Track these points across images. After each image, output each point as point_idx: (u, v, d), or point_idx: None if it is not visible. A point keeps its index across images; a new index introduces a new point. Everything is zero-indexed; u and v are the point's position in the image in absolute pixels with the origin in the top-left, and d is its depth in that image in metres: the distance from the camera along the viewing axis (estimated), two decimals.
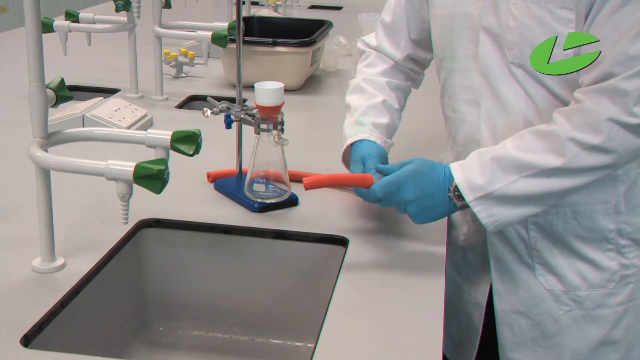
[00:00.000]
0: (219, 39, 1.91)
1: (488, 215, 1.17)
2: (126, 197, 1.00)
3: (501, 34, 1.19)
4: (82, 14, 1.99)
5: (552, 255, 1.28)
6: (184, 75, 2.31)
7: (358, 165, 1.29)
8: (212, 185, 1.43)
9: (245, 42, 1.86)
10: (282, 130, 1.31)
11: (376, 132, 1.35)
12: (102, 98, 1.83)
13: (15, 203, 1.32)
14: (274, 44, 2.11)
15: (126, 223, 1.03)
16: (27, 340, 0.96)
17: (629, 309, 1.29)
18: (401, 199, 1.19)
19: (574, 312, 1.29)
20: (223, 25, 1.96)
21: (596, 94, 1.12)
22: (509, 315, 1.33)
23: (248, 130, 1.34)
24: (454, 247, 1.40)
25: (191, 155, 1.06)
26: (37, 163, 1.04)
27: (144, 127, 1.74)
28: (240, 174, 1.41)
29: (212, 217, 1.30)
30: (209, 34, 1.92)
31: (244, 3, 2.80)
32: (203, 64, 2.03)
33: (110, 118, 1.69)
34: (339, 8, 3.85)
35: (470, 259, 1.39)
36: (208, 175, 1.44)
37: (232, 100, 1.39)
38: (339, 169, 1.38)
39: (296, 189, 1.36)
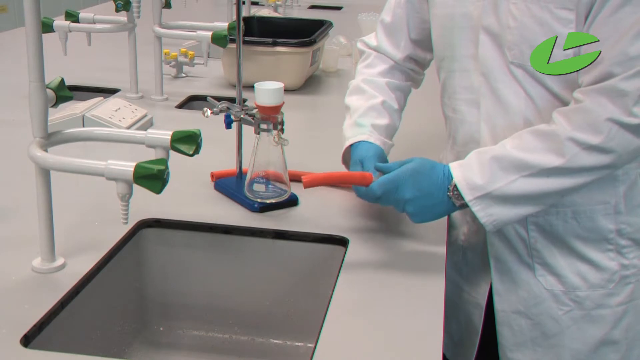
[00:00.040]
0: (219, 39, 1.91)
1: (487, 214, 1.17)
2: (126, 197, 1.00)
3: (501, 34, 1.19)
4: (82, 14, 1.99)
5: (552, 256, 1.28)
6: (184, 75, 2.31)
7: (357, 167, 1.29)
8: (212, 185, 1.43)
9: (245, 42, 1.86)
10: (282, 130, 1.31)
11: (375, 133, 1.35)
12: (102, 98, 1.83)
13: (15, 203, 1.32)
14: (274, 44, 2.11)
15: (126, 223, 1.03)
16: (27, 340, 0.96)
17: (629, 309, 1.29)
18: (400, 197, 1.19)
19: (574, 312, 1.29)
20: (223, 25, 1.96)
21: (596, 94, 1.12)
22: (509, 315, 1.33)
23: (248, 130, 1.34)
24: (454, 247, 1.40)
25: (191, 155, 1.06)
26: (37, 163, 1.04)
27: (144, 127, 1.74)
28: (240, 174, 1.41)
29: (212, 217, 1.30)
30: (209, 34, 1.92)
31: (244, 3, 2.80)
32: (203, 64, 2.03)
33: (110, 118, 1.69)
34: (339, 8, 3.85)
35: (470, 259, 1.39)
36: (212, 175, 1.44)
37: (232, 100, 1.39)
38: (339, 169, 1.38)
39: (296, 189, 1.36)
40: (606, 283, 1.27)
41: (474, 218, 1.20)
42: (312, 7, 3.91)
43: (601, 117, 1.11)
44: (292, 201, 1.35)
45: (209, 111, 1.32)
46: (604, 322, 1.29)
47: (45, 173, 1.06)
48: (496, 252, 1.31)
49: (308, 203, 1.36)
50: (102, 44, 2.28)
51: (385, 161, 1.32)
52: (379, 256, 1.21)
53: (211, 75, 2.29)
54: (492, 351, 1.38)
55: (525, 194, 1.16)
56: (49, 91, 1.05)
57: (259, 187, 1.33)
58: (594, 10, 1.11)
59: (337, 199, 1.39)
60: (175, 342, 1.30)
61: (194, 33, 1.98)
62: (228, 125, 1.33)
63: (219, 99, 1.37)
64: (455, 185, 1.18)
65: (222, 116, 1.33)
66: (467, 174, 1.17)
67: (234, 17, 1.46)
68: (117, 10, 1.87)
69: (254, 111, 1.31)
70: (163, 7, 1.97)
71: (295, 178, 1.36)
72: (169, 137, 1.05)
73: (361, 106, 1.39)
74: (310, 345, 1.27)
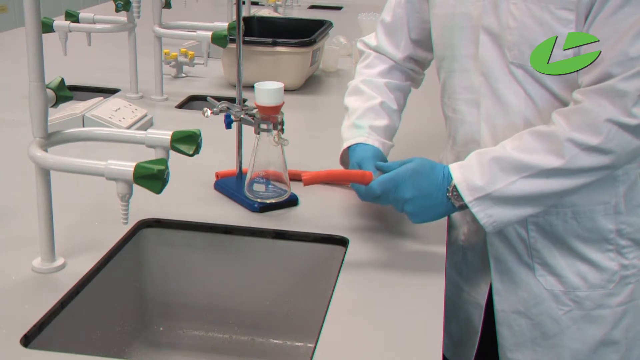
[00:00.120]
0: (219, 39, 1.91)
1: (487, 215, 1.17)
2: (126, 197, 1.00)
3: (501, 34, 1.19)
4: (82, 14, 1.99)
5: (552, 256, 1.28)
6: (184, 75, 2.31)
7: (355, 169, 1.29)
8: (212, 185, 1.43)
9: (245, 42, 1.86)
10: (282, 130, 1.31)
11: (374, 134, 1.35)
12: (102, 98, 1.83)
13: (15, 203, 1.32)
14: (274, 44, 2.11)
15: (126, 223, 1.03)
16: (27, 340, 0.96)
17: (629, 309, 1.29)
18: (399, 197, 1.19)
19: (574, 313, 1.29)
20: (223, 25, 1.96)
21: (595, 95, 1.12)
22: (509, 315, 1.33)
23: (248, 130, 1.34)
24: (454, 247, 1.40)
25: (191, 155, 1.06)
26: (37, 163, 1.04)
27: (144, 127, 1.74)
28: (240, 174, 1.41)
29: (212, 217, 1.30)
30: (209, 34, 1.92)
31: (244, 3, 2.80)
32: (203, 64, 2.03)
33: (110, 118, 1.69)
34: (339, 8, 3.85)
35: (470, 259, 1.39)
36: (217, 175, 1.44)
37: (232, 100, 1.39)
38: (339, 169, 1.38)
39: (296, 189, 1.36)
40: (606, 283, 1.27)
41: (474, 218, 1.20)
42: (312, 7, 3.91)
43: (600, 117, 1.11)
44: (292, 201, 1.35)
45: (209, 111, 1.32)
46: (604, 322, 1.29)
47: (45, 173, 1.06)
48: (496, 252, 1.31)
49: (308, 203, 1.36)
50: (102, 44, 2.28)
51: (385, 162, 1.32)
52: (379, 256, 1.21)
53: (211, 75, 2.29)
54: (492, 351, 1.38)
55: (525, 195, 1.16)
56: (49, 91, 1.05)
57: (259, 187, 1.33)
58: (593, 10, 1.11)
59: (337, 198, 1.39)
60: (175, 342, 1.30)
61: (194, 33, 1.98)
62: (228, 125, 1.33)
63: (219, 99, 1.37)
64: (454, 186, 1.18)
65: (222, 116, 1.33)
66: (467, 174, 1.17)
67: (234, 17, 1.46)
68: (117, 10, 1.88)
69: (254, 111, 1.31)
70: (163, 7, 1.97)
71: (295, 177, 1.36)
72: (169, 137, 1.05)
73: (359, 107, 1.39)
74: (310, 345, 1.27)
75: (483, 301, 1.36)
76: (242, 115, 1.33)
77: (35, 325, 0.98)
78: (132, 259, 1.27)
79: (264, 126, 1.30)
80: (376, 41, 1.47)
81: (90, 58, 2.34)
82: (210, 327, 1.31)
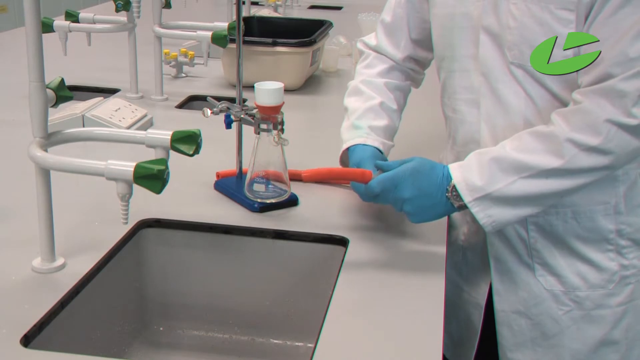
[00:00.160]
0: (219, 39, 1.91)
1: (486, 215, 1.17)
2: (126, 197, 1.00)
3: (501, 34, 1.19)
4: (82, 14, 1.99)
5: (552, 256, 1.28)
6: (184, 75, 2.31)
7: None
8: (212, 185, 1.43)
9: (245, 42, 1.86)
10: (282, 130, 1.31)
11: (373, 134, 1.35)
12: (102, 98, 1.83)
13: (15, 203, 1.32)
14: (274, 44, 2.11)
15: (126, 223, 1.03)
16: (27, 340, 0.96)
17: (629, 309, 1.29)
18: (398, 196, 1.19)
19: (574, 313, 1.29)
20: (223, 25, 1.96)
21: (595, 95, 1.12)
22: (509, 315, 1.33)
23: (248, 130, 1.34)
24: (454, 247, 1.40)
25: (191, 155, 1.06)
26: (37, 163, 1.04)
27: (144, 127, 1.74)
28: (240, 174, 1.41)
29: (212, 217, 1.30)
30: (209, 34, 1.92)
31: (244, 3, 2.80)
32: (203, 64, 2.03)
33: (110, 118, 1.69)
34: (339, 8, 3.85)
35: (470, 259, 1.39)
36: (217, 175, 1.44)
37: (232, 100, 1.39)
38: None
39: (296, 189, 1.36)
40: (606, 283, 1.27)
41: (473, 218, 1.20)
42: (312, 7, 3.91)
43: (600, 118, 1.11)
44: (292, 201, 1.35)
45: (209, 111, 1.32)
46: (604, 322, 1.29)
47: (45, 173, 1.06)
48: (496, 252, 1.31)
49: (308, 203, 1.36)
50: (102, 44, 2.28)
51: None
52: (379, 256, 1.21)
53: (211, 75, 2.29)
54: (492, 351, 1.38)
55: (524, 195, 1.16)
56: (49, 91, 1.05)
57: (259, 187, 1.33)
58: (594, 10, 1.11)
59: (337, 198, 1.39)
60: (175, 342, 1.30)
61: (194, 33, 1.98)
62: (228, 125, 1.33)
63: (219, 99, 1.37)
64: (454, 186, 1.18)
65: (222, 116, 1.33)
66: (467, 175, 1.17)
67: (234, 17, 1.46)
68: (117, 10, 1.88)
69: (254, 111, 1.31)
70: (163, 7, 1.97)
71: (294, 177, 1.36)
72: (169, 137, 1.05)
73: (359, 108, 1.39)
74: (310, 345, 1.27)
75: (483, 301, 1.36)
76: (242, 115, 1.33)
77: (35, 325, 0.98)
78: (132, 259, 1.27)
79: (264, 126, 1.30)
80: (376, 41, 1.47)
81: (90, 58, 2.34)
82: (210, 327, 1.31)
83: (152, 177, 0.96)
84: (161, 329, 1.31)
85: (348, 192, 1.40)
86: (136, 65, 2.01)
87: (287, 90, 1.41)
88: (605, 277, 1.27)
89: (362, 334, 1.00)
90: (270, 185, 1.34)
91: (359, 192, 1.25)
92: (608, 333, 1.29)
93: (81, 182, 1.26)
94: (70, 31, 1.95)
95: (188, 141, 1.05)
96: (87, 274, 1.11)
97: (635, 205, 1.26)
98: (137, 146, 1.08)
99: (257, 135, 1.31)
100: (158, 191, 0.97)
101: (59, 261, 1.12)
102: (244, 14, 2.67)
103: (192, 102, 2.09)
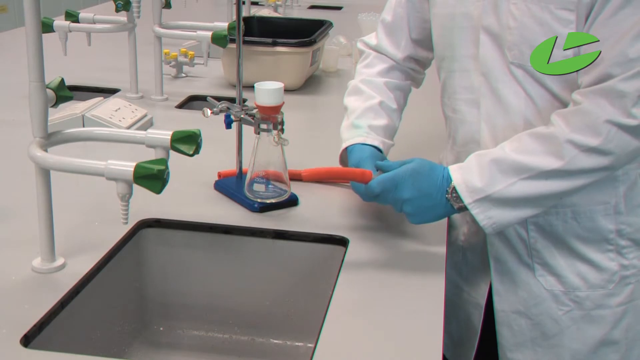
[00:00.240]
0: (219, 39, 1.91)
1: (486, 217, 1.17)
2: (126, 197, 1.00)
3: (501, 34, 1.19)
4: (82, 14, 1.99)
5: (552, 256, 1.28)
6: (184, 75, 2.31)
7: None
8: (212, 185, 1.43)
9: (245, 42, 1.86)
10: (282, 130, 1.31)
11: (372, 134, 1.35)
12: (102, 98, 1.83)
13: (15, 203, 1.32)
14: (274, 44, 2.11)
15: (126, 223, 1.03)
16: (27, 340, 0.96)
17: (629, 309, 1.29)
18: (398, 197, 1.19)
19: (574, 313, 1.29)
20: (223, 25, 1.96)
21: (595, 96, 1.12)
22: (509, 315, 1.33)
23: (248, 130, 1.34)
24: (454, 247, 1.40)
25: (191, 155, 1.06)
26: (37, 163, 1.04)
27: (144, 127, 1.74)
28: (240, 174, 1.41)
29: (212, 217, 1.30)
30: (209, 34, 1.92)
31: (244, 3, 2.80)
32: (203, 64, 2.03)
33: (110, 118, 1.69)
34: (339, 8, 3.85)
35: (470, 259, 1.39)
36: (219, 175, 1.44)
37: (232, 100, 1.39)
38: None
39: (296, 189, 1.36)
40: (606, 283, 1.27)
41: (474, 219, 1.20)
42: (312, 7, 3.91)
43: (600, 118, 1.11)
44: (292, 201, 1.35)
45: (209, 111, 1.32)
46: (604, 322, 1.29)
47: (45, 173, 1.06)
48: (496, 252, 1.31)
49: (308, 203, 1.36)
50: (102, 44, 2.28)
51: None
52: (379, 256, 1.21)
53: (211, 75, 2.29)
54: (491, 351, 1.38)
55: (524, 197, 1.16)
56: (49, 91, 1.05)
57: (259, 187, 1.33)
58: (594, 11, 1.11)
59: (337, 198, 1.39)
60: (175, 342, 1.30)
61: (194, 33, 1.98)
62: (228, 125, 1.33)
63: (219, 99, 1.37)
64: (454, 188, 1.18)
65: (222, 116, 1.33)
66: (467, 176, 1.17)
67: (234, 17, 1.46)
68: (117, 10, 1.88)
69: (254, 111, 1.31)
70: (163, 7, 1.97)
71: (294, 177, 1.36)
72: (169, 137, 1.05)
73: (358, 107, 1.39)
74: (310, 345, 1.27)
75: (483, 301, 1.36)
76: (242, 115, 1.33)
77: (35, 325, 0.98)
78: (132, 259, 1.27)
79: (264, 126, 1.30)
80: (376, 41, 1.47)
81: (90, 58, 2.34)
82: (210, 327, 1.31)
83: (152, 177, 0.96)
84: (161, 329, 1.31)
85: (348, 192, 1.40)
86: (136, 65, 2.01)
87: (287, 90, 1.41)
88: (605, 277, 1.27)
89: (362, 334, 1.00)
90: (270, 185, 1.34)
91: (359, 192, 1.25)
92: (608, 333, 1.29)
93: (81, 182, 1.26)
94: (70, 31, 1.95)
95: (188, 141, 1.05)
96: (87, 274, 1.11)
97: (635, 205, 1.26)
98: (137, 146, 1.08)
99: (257, 135, 1.31)
100: (158, 191, 0.97)
101: (59, 261, 1.12)
102: (244, 14, 2.67)
103: (192, 102, 2.09)
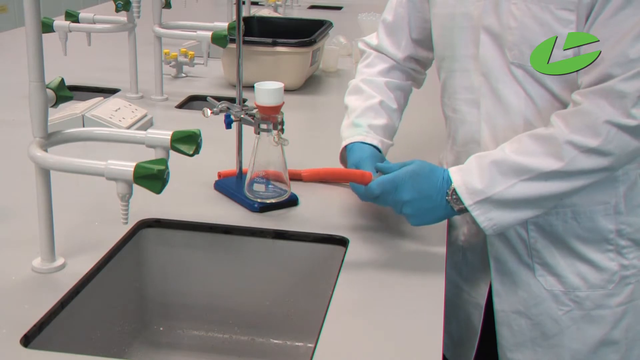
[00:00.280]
0: (219, 39, 1.91)
1: (487, 219, 1.17)
2: (126, 197, 1.00)
3: (502, 34, 1.19)
4: (82, 14, 1.99)
5: (551, 256, 1.28)
6: (184, 75, 2.31)
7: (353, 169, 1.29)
8: (212, 185, 1.43)
9: (245, 42, 1.86)
10: (282, 130, 1.31)
11: (372, 133, 1.35)
12: (102, 98, 1.83)
13: (15, 203, 1.32)
14: (274, 44, 2.11)
15: (126, 223, 1.03)
16: (27, 340, 0.96)
17: (629, 309, 1.29)
18: (398, 198, 1.19)
19: (574, 313, 1.29)
20: (223, 25, 1.96)
21: (594, 96, 1.12)
22: (509, 315, 1.33)
23: (248, 130, 1.34)
24: (454, 247, 1.40)
25: (191, 155, 1.06)
26: (37, 163, 1.04)
27: (144, 127, 1.74)
28: (240, 174, 1.41)
29: (212, 217, 1.30)
30: (209, 34, 1.92)
31: (244, 3, 2.80)
32: (203, 64, 2.03)
33: (110, 118, 1.69)
34: (339, 8, 3.85)
35: (470, 259, 1.39)
36: (219, 175, 1.44)
37: (232, 100, 1.39)
38: None
39: (296, 189, 1.36)
40: (606, 283, 1.27)
41: (474, 219, 1.19)
42: (312, 7, 3.91)
43: (599, 119, 1.11)
44: (292, 201, 1.35)
45: (209, 111, 1.32)
46: (604, 322, 1.29)
47: (45, 173, 1.06)
48: (496, 252, 1.31)
49: (308, 203, 1.36)
50: (102, 44, 2.28)
51: (383, 161, 1.32)
52: (379, 256, 1.21)
53: (211, 75, 2.29)
54: (491, 351, 1.38)
55: (524, 198, 1.16)
56: (49, 91, 1.05)
57: (259, 187, 1.33)
58: (594, 11, 1.11)
59: (337, 198, 1.39)
60: (175, 342, 1.30)
61: (194, 33, 1.98)
62: (228, 125, 1.33)
63: (219, 99, 1.37)
64: (454, 190, 1.18)
65: (222, 116, 1.33)
66: (467, 178, 1.17)
67: (234, 17, 1.46)
68: (117, 10, 1.88)
69: (254, 111, 1.31)
70: (163, 7, 1.97)
71: (294, 177, 1.36)
72: (169, 137, 1.05)
73: (359, 106, 1.39)
74: (310, 345, 1.27)
75: (483, 301, 1.36)
76: (242, 115, 1.33)
77: (35, 325, 0.98)
78: (132, 259, 1.27)
79: (264, 126, 1.30)
80: (377, 40, 1.47)
81: (90, 58, 2.34)
82: (210, 327, 1.31)
83: (152, 177, 0.96)
84: (161, 329, 1.31)
85: (348, 192, 1.40)
86: (136, 65, 2.01)
87: (287, 90, 1.41)
88: (605, 277, 1.27)
89: (362, 334, 1.00)
90: (270, 185, 1.34)
91: (359, 194, 1.25)
92: (608, 333, 1.29)
93: (81, 182, 1.26)
94: (70, 31, 1.95)
95: (188, 141, 1.05)
96: (87, 274, 1.11)
97: (635, 205, 1.26)
98: (137, 146, 1.08)
99: (257, 135, 1.31)
100: (158, 191, 0.97)
101: (59, 261, 1.12)
102: (244, 14, 2.67)
103: (192, 102, 2.09)
